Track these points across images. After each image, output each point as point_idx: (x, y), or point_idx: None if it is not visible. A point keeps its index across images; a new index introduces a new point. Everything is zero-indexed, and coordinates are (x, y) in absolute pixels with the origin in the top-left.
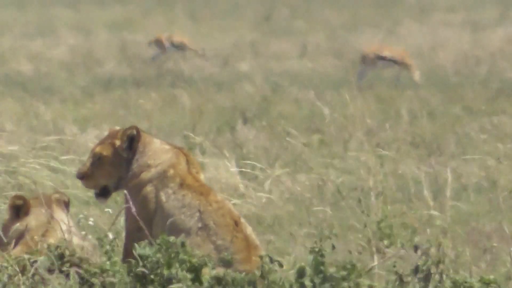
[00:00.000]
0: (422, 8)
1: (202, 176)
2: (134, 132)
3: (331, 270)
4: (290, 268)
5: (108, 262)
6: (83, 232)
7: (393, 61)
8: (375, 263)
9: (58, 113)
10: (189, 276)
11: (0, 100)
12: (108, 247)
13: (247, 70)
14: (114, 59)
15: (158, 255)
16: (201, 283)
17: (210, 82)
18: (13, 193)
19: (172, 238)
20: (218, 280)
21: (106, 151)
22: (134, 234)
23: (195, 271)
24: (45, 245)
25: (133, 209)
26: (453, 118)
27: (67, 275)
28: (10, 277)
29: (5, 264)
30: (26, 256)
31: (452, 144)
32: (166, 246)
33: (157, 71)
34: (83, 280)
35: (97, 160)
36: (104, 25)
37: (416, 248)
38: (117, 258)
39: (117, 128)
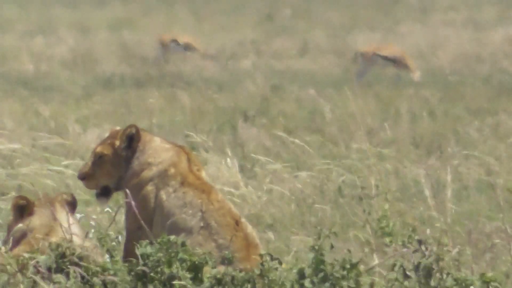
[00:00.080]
0: (423, 8)
1: (203, 174)
2: (134, 131)
3: (331, 269)
4: (290, 267)
5: (108, 261)
6: (85, 232)
7: (392, 61)
8: (376, 261)
9: (59, 112)
10: (189, 275)
11: (1, 99)
12: (112, 244)
13: (248, 68)
14: (115, 58)
15: (159, 254)
16: (201, 282)
17: (211, 81)
18: (13, 193)
19: (172, 237)
20: (219, 279)
21: (107, 151)
22: (134, 233)
23: (196, 270)
24: (46, 244)
25: (134, 208)
26: (453, 118)
27: (68, 274)
28: (10, 276)
29: (5, 263)
30: (27, 255)
31: (452, 143)
32: (166, 246)
33: (158, 70)
34: (84, 279)
35: (98, 160)
36: (105, 24)
37: (419, 242)
38: (118, 257)
39: (118, 128)
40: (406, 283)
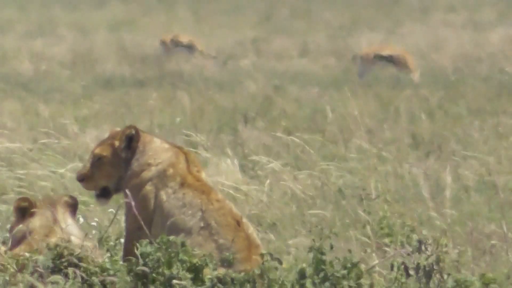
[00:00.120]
0: (423, 8)
1: (203, 175)
2: (133, 131)
3: (332, 269)
4: (290, 267)
5: (107, 261)
6: (85, 233)
7: (392, 61)
8: (376, 261)
9: (58, 112)
10: (189, 275)
11: (0, 99)
12: (112, 243)
13: (248, 68)
14: (115, 59)
15: (159, 253)
16: (202, 282)
17: (211, 81)
18: (12, 194)
19: (172, 238)
20: (219, 280)
21: (106, 152)
22: (134, 233)
23: (196, 271)
24: (45, 245)
25: (134, 208)
26: (453, 118)
27: (67, 275)
28: (9, 276)
29: (4, 263)
30: (26, 255)
31: (452, 143)
32: (166, 246)
33: (158, 70)
34: (83, 280)
35: (97, 161)
36: (105, 24)
37: (420, 243)
38: (118, 257)
39: (118, 129)
40: (406, 281)
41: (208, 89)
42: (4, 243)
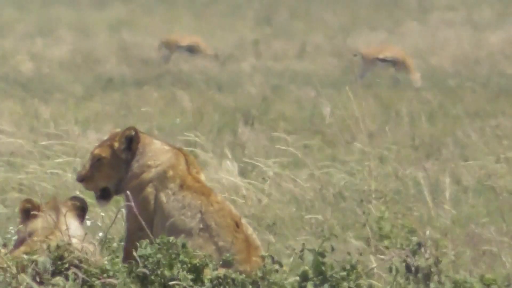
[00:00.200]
0: (422, 8)
1: (202, 176)
2: (132, 133)
3: (331, 271)
4: (290, 269)
5: (107, 263)
6: (87, 234)
7: (392, 63)
8: (375, 264)
9: (59, 113)
10: (189, 276)
11: (1, 100)
12: (114, 245)
13: (248, 69)
14: (115, 59)
15: (159, 255)
16: (202, 283)
17: (211, 82)
18: (14, 195)
19: (172, 239)
20: (219, 279)
21: (105, 153)
22: (135, 235)
23: (196, 272)
24: (45, 246)
25: (135, 209)
26: (453, 120)
27: (67, 276)
28: (10, 277)
29: (5, 265)
30: (26, 257)
31: (452, 146)
32: (166, 247)
33: (158, 71)
34: (83, 281)
35: (97, 162)
36: (105, 25)
37: (419, 245)
38: (118, 258)
39: (118, 130)
40: (405, 282)
41: (208, 90)
42: (4, 245)
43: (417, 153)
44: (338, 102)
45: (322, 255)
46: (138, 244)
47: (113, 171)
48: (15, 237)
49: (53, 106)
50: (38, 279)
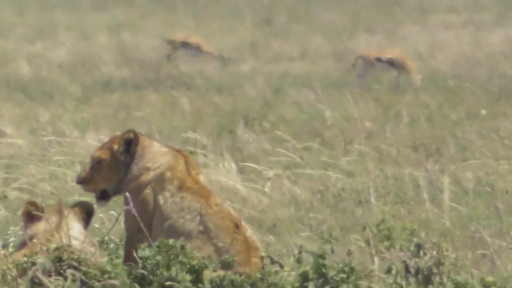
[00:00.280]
0: (422, 10)
1: (201, 178)
2: (132, 135)
3: (331, 272)
4: (290, 270)
5: (107, 264)
6: (87, 236)
7: (393, 64)
8: (375, 265)
9: (58, 116)
10: (188, 277)
11: (0, 103)
12: (112, 245)
13: (247, 71)
14: (114, 62)
15: (158, 257)
16: (201, 284)
17: (211, 84)
18: (13, 197)
19: (171, 241)
20: (219, 280)
21: (105, 155)
22: (134, 236)
23: (195, 273)
24: (44, 248)
25: (133, 211)
26: (452, 122)
27: (66, 278)
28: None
29: (5, 267)
30: (25, 258)
31: (451, 147)
32: (165, 249)
33: (157, 74)
34: (82, 282)
35: (96, 164)
36: (104, 27)
37: (419, 246)
38: (118, 260)
39: (118, 133)
40: (405, 284)
41: (208, 92)
42: (4, 247)
43: (417, 154)
44: (338, 104)
45: (322, 257)
46: (137, 246)
47: (112, 173)
48: (13, 239)
49: (52, 108)
50: (37, 281)
